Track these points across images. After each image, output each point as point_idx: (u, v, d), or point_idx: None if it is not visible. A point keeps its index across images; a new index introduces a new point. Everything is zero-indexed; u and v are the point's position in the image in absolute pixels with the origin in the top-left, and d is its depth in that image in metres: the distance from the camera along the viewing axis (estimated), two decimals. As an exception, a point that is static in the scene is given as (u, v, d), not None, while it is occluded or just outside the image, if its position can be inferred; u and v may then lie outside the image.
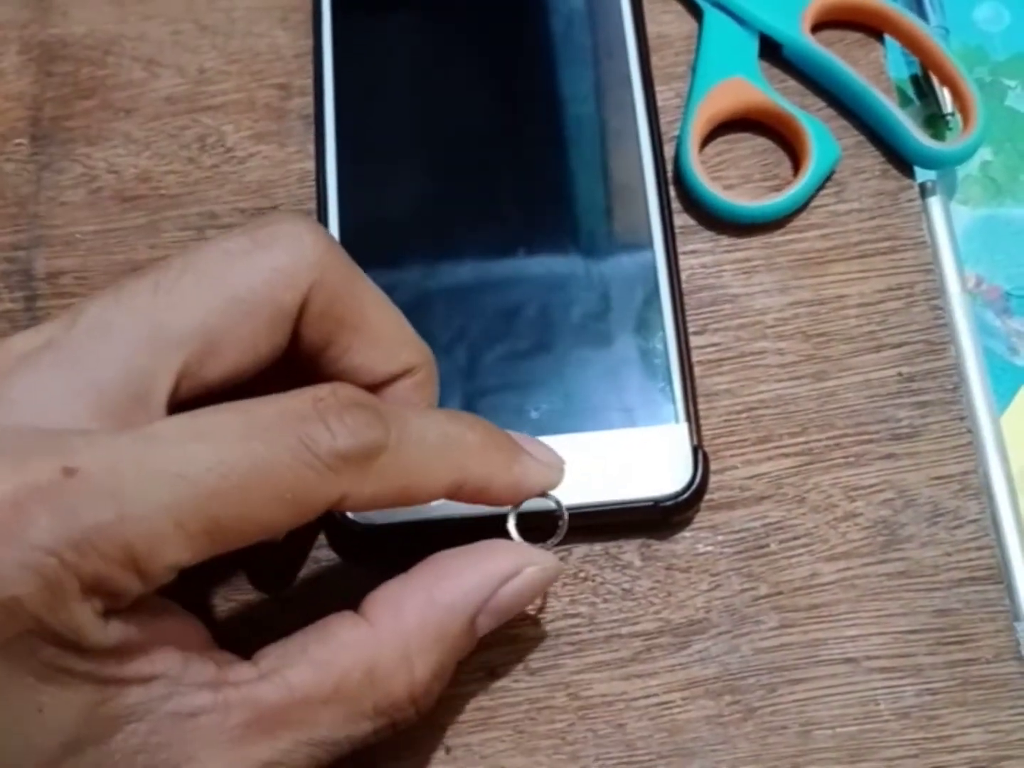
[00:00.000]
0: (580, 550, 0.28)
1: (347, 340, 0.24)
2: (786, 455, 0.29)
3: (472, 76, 0.33)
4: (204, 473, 0.19)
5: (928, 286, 0.31)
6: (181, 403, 0.22)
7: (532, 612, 0.28)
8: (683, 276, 0.30)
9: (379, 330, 0.24)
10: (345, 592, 0.23)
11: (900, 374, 0.30)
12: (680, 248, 0.31)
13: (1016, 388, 0.32)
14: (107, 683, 0.19)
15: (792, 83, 0.33)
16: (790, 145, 0.32)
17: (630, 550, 0.28)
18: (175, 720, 0.20)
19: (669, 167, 0.32)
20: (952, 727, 0.27)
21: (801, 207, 0.31)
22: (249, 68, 0.34)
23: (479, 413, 0.25)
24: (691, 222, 0.32)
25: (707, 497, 0.28)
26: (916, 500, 0.28)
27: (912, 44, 0.33)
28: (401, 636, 0.22)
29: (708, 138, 0.32)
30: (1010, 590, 0.28)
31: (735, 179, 0.32)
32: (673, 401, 0.28)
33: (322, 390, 0.21)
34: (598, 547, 0.28)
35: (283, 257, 0.23)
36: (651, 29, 0.33)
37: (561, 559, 0.28)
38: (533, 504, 0.26)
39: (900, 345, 0.30)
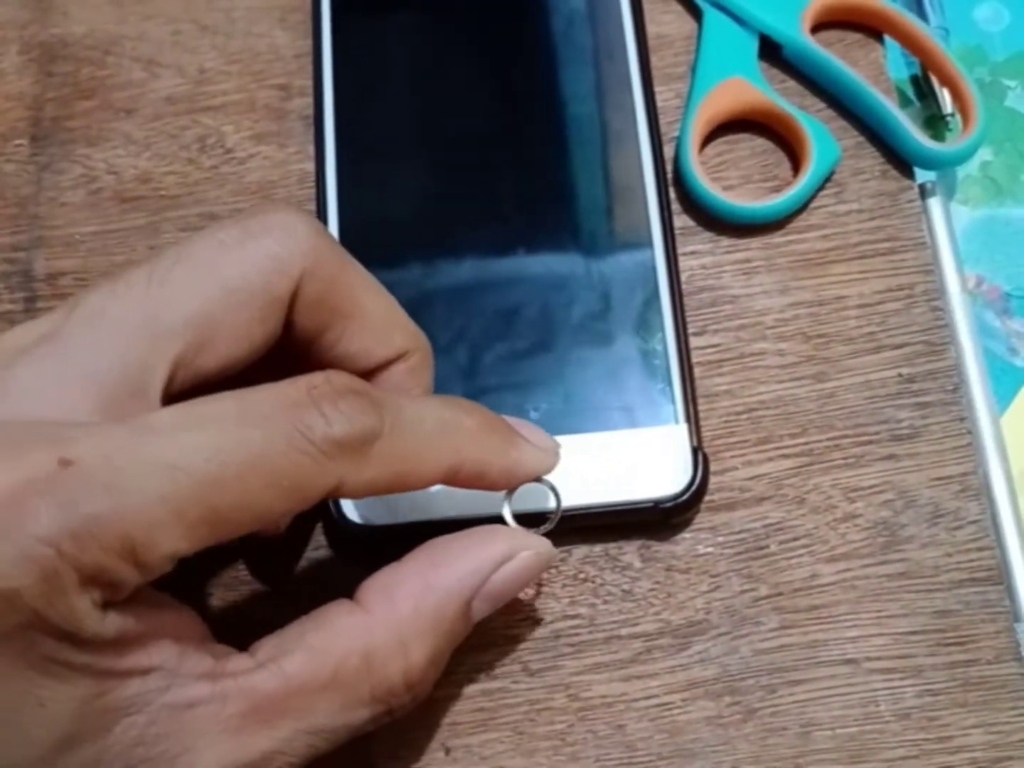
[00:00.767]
0: (580, 551, 0.28)
1: (340, 327, 0.24)
2: (786, 456, 0.29)
3: (472, 76, 0.33)
4: (201, 462, 0.19)
5: (928, 287, 0.31)
6: (177, 394, 0.22)
7: (527, 598, 0.28)
8: (683, 277, 0.30)
9: (372, 315, 0.25)
10: (346, 593, 0.23)
11: (900, 375, 0.30)
12: (680, 249, 0.31)
13: (1016, 389, 0.32)
14: (105, 676, 0.19)
15: (792, 84, 0.33)
16: (790, 146, 0.32)
17: (630, 551, 0.28)
18: (172, 711, 0.20)
19: (669, 168, 0.32)
20: (952, 728, 0.27)
21: (801, 208, 0.31)
22: (249, 68, 0.34)
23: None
24: (691, 223, 0.32)
25: (707, 498, 0.28)
26: (916, 501, 0.28)
27: (912, 44, 0.33)
28: (396, 622, 0.22)
29: (708, 139, 0.32)
30: (1010, 591, 0.28)
31: (735, 180, 0.32)
32: (673, 402, 0.28)
33: (316, 378, 0.21)
34: (598, 548, 0.28)
35: (275, 246, 0.23)
36: (651, 29, 0.33)
37: (561, 560, 0.28)
38: (530, 505, 0.26)
39: (900, 346, 0.30)
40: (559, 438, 0.27)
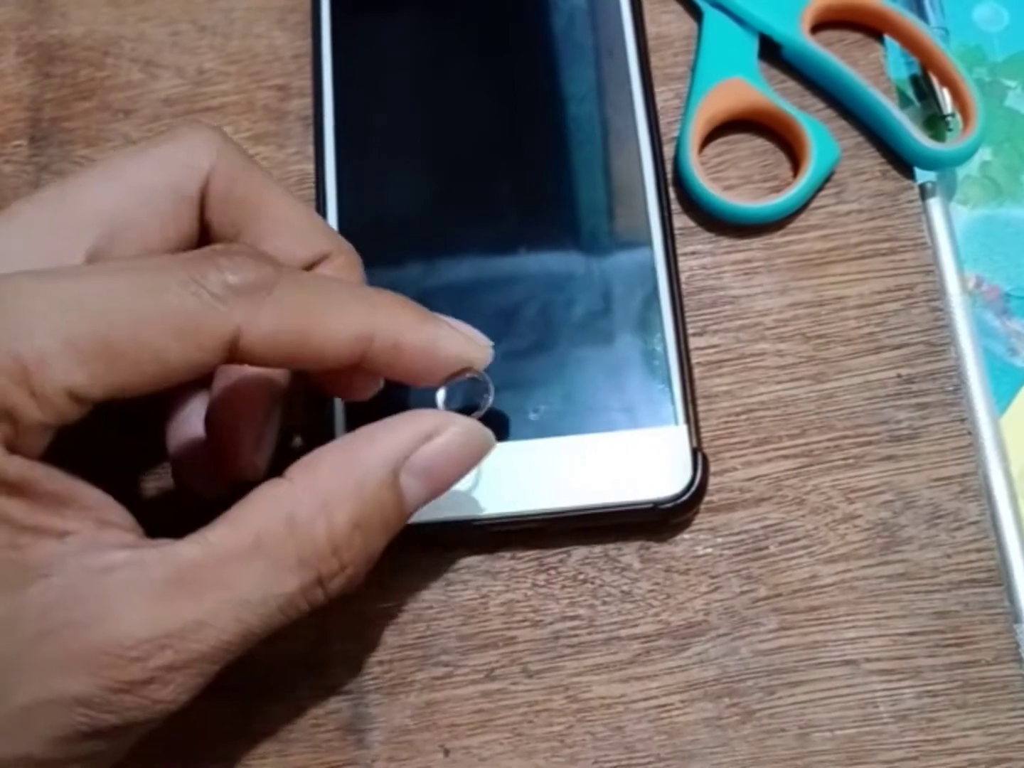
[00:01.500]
0: (579, 552, 0.28)
1: (256, 226, 0.25)
2: (786, 457, 0.29)
3: (471, 77, 0.33)
4: (93, 298, 0.20)
5: (928, 287, 0.31)
6: None
7: (526, 596, 0.28)
8: (683, 277, 0.30)
9: (286, 217, 0.26)
10: (347, 595, 0.23)
11: (900, 375, 0.30)
12: (680, 249, 0.31)
13: (1016, 389, 0.31)
14: (18, 529, 0.19)
15: (792, 84, 0.33)
16: (790, 146, 0.32)
17: (629, 552, 0.28)
18: (90, 574, 0.20)
19: (669, 168, 0.32)
20: (952, 729, 0.27)
21: (801, 208, 0.31)
22: (248, 69, 0.34)
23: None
24: (691, 223, 0.32)
25: (706, 499, 0.28)
26: (916, 502, 0.28)
27: (912, 45, 0.33)
28: (318, 487, 0.22)
29: (708, 139, 0.32)
30: (1010, 592, 0.28)
31: (735, 180, 0.32)
32: (673, 403, 0.28)
33: (216, 245, 0.22)
34: (597, 549, 0.28)
35: (180, 150, 0.25)
36: (650, 29, 0.33)
37: (560, 561, 0.28)
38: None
39: (900, 346, 0.30)
40: (560, 439, 0.27)
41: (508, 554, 0.28)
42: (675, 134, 0.32)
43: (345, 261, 0.26)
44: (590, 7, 0.33)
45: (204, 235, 0.25)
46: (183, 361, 0.21)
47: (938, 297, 0.31)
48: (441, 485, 0.24)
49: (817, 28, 0.33)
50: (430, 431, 0.23)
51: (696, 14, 0.34)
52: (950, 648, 0.27)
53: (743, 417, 0.29)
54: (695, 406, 0.28)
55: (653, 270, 0.30)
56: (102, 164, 0.25)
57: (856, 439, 0.29)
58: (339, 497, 0.22)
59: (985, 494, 0.29)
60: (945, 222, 0.32)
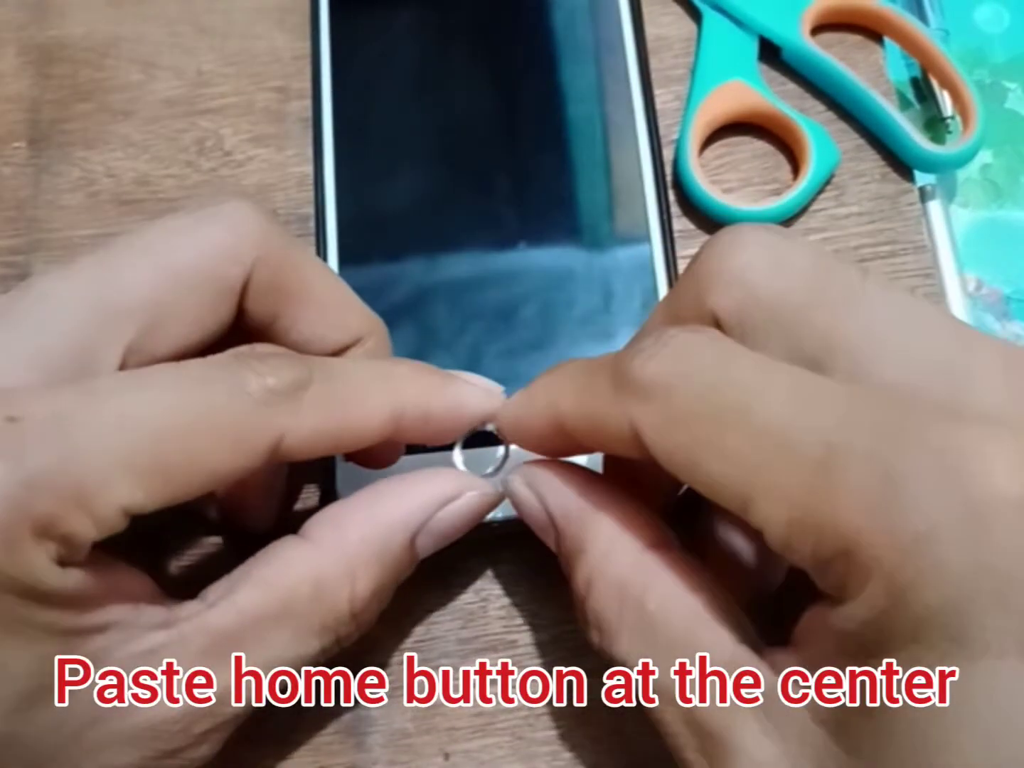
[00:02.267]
0: (579, 555, 0.28)
1: (293, 312, 0.24)
2: (785, 460, 0.29)
3: (470, 79, 0.33)
4: (146, 416, 0.20)
5: (928, 290, 0.31)
6: None
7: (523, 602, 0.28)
8: (682, 280, 0.30)
9: (324, 301, 0.25)
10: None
11: (899, 378, 0.30)
12: (679, 252, 0.31)
13: (1016, 392, 0.31)
14: (67, 635, 0.19)
15: (791, 86, 0.33)
16: (789, 149, 0.32)
17: (629, 555, 0.28)
18: (135, 660, 0.20)
19: (668, 170, 0.32)
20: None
21: (801, 211, 0.31)
22: (247, 70, 0.34)
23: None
24: (690, 226, 0.32)
25: (706, 502, 0.28)
26: (915, 505, 0.28)
27: (912, 47, 0.33)
28: (344, 551, 0.22)
29: (707, 141, 0.32)
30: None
31: (734, 183, 0.32)
32: (672, 406, 0.28)
33: (240, 348, 0.22)
34: (597, 552, 0.28)
35: (225, 234, 0.23)
36: (650, 31, 0.33)
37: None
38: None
39: (900, 349, 0.30)
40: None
41: (508, 556, 0.28)
42: (675, 136, 0.32)
43: (375, 344, 0.26)
44: (589, 9, 0.33)
45: (238, 319, 0.24)
46: (232, 469, 0.21)
47: (939, 300, 0.31)
48: (449, 541, 0.24)
49: (817, 30, 0.33)
50: (451, 495, 0.24)
51: (696, 16, 0.34)
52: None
53: (743, 420, 0.29)
54: (695, 409, 0.28)
55: (652, 272, 0.30)
56: (140, 239, 0.23)
57: (856, 442, 0.29)
58: (363, 562, 0.23)
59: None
60: (945, 225, 0.32)
